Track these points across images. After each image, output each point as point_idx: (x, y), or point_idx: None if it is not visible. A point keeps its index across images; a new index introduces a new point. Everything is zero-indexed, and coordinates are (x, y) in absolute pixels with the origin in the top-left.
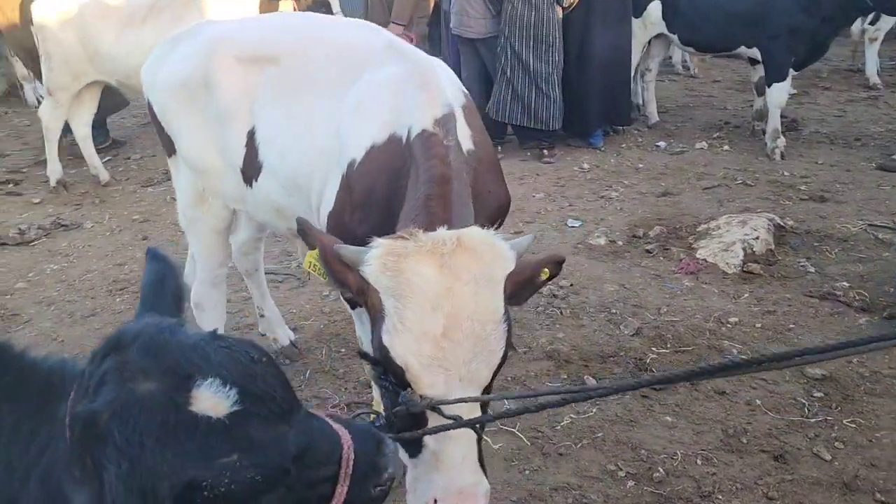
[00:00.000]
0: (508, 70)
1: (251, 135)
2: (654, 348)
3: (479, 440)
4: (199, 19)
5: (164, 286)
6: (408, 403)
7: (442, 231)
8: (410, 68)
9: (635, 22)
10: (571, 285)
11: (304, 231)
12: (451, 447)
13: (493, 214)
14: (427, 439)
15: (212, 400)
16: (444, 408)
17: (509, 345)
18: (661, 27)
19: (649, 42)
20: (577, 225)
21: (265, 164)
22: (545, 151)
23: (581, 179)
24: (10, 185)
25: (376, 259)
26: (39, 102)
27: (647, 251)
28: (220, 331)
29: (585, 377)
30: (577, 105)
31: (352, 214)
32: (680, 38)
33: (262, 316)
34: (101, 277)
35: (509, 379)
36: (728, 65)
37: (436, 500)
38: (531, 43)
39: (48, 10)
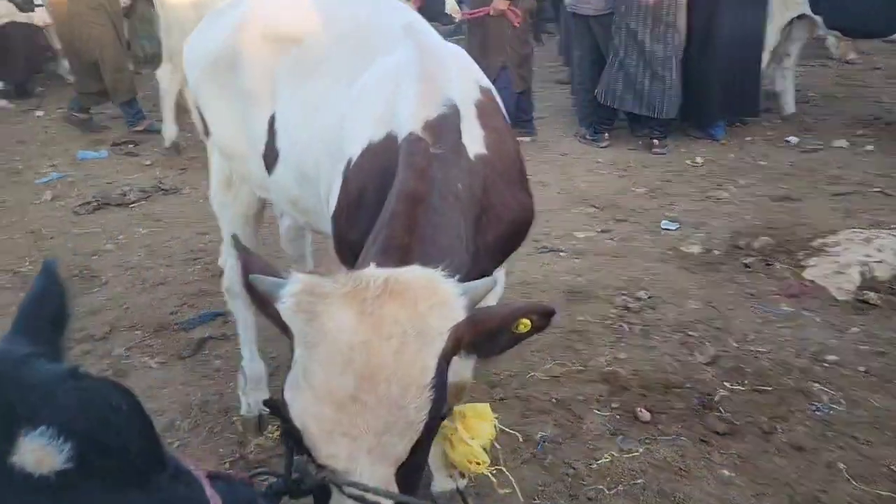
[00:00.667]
0: (622, 51)
1: (272, 120)
2: (727, 383)
3: None
4: None
5: (43, 308)
6: (301, 473)
7: (370, 270)
8: (415, 56)
9: (774, 1)
10: (649, 298)
11: (235, 246)
12: None
13: (508, 229)
14: None
15: (38, 454)
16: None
17: (438, 415)
18: (804, 7)
19: (790, 23)
20: (672, 228)
21: (280, 152)
22: (655, 141)
23: (691, 175)
24: (131, 146)
25: (291, 297)
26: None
27: (746, 265)
28: (251, 320)
29: (639, 409)
30: (698, 92)
31: (346, 218)
32: (826, 21)
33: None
34: (182, 245)
35: (554, 401)
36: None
37: None
38: (649, 22)
39: None
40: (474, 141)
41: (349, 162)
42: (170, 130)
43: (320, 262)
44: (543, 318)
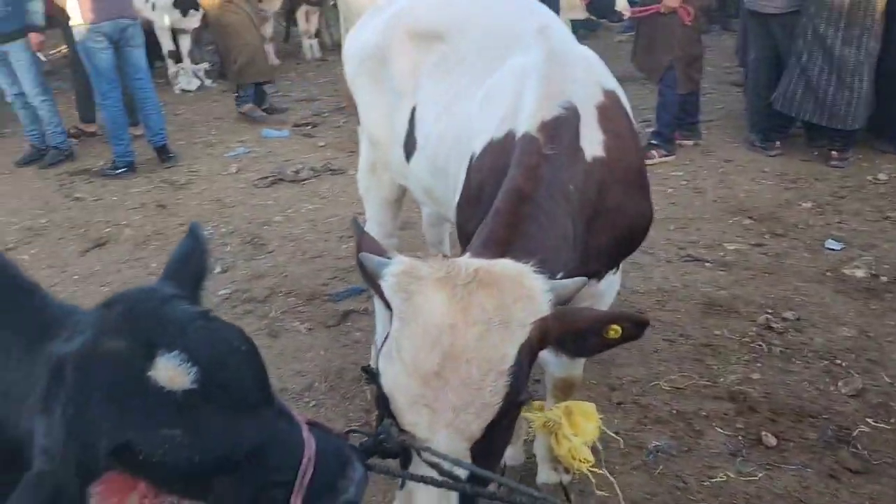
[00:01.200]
0: (805, 55)
1: (413, 112)
2: (870, 419)
3: (466, 497)
4: None
5: (189, 263)
6: (386, 435)
7: (465, 259)
8: (542, 59)
9: None
10: (798, 319)
11: (354, 226)
12: (422, 493)
13: (622, 233)
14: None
15: (170, 372)
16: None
17: (514, 401)
18: None
19: None
20: (836, 248)
21: (417, 143)
22: (834, 153)
23: (869, 192)
24: (308, 128)
25: (392, 276)
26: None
27: None
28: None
29: (764, 433)
30: (891, 102)
31: (466, 210)
32: None
33: None
34: (340, 223)
35: (674, 412)
36: None
37: None
38: (841, 24)
39: None
40: (593, 144)
41: (472, 157)
42: None
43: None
44: (636, 327)
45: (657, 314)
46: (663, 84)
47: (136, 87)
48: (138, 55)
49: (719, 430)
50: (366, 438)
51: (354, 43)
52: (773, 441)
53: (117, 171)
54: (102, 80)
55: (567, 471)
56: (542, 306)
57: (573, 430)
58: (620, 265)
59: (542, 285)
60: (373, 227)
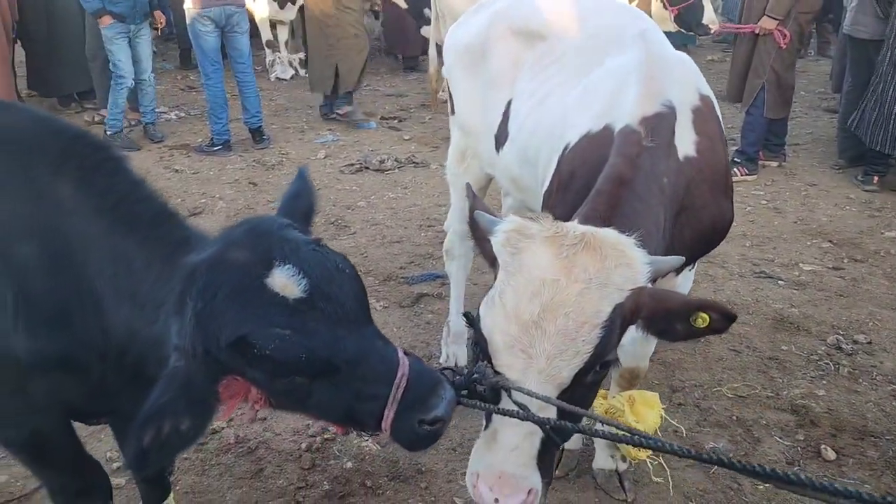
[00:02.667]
0: (882, 85)
1: (509, 104)
2: None
3: (548, 441)
4: None
5: (299, 200)
6: (481, 375)
7: (573, 224)
8: (642, 60)
9: None
10: (869, 343)
11: (468, 193)
12: (507, 432)
13: (704, 231)
14: (494, 416)
15: (284, 281)
16: (515, 395)
17: (602, 354)
18: None
19: None
20: None
21: (510, 134)
22: None
23: None
24: (395, 121)
25: (503, 233)
26: None
27: None
28: (463, 282)
29: (823, 447)
30: None
31: (555, 197)
32: None
33: None
34: (420, 212)
35: (734, 418)
36: None
37: (478, 476)
38: None
39: None
40: (686, 143)
41: (566, 148)
42: None
43: None
44: (723, 319)
45: None
46: (752, 104)
47: (237, 70)
48: (242, 41)
49: (778, 439)
50: (458, 377)
51: (455, 36)
52: (832, 455)
53: (214, 148)
54: (207, 62)
55: (623, 459)
56: (641, 276)
57: (635, 418)
58: (695, 264)
59: (643, 257)
60: (457, 213)
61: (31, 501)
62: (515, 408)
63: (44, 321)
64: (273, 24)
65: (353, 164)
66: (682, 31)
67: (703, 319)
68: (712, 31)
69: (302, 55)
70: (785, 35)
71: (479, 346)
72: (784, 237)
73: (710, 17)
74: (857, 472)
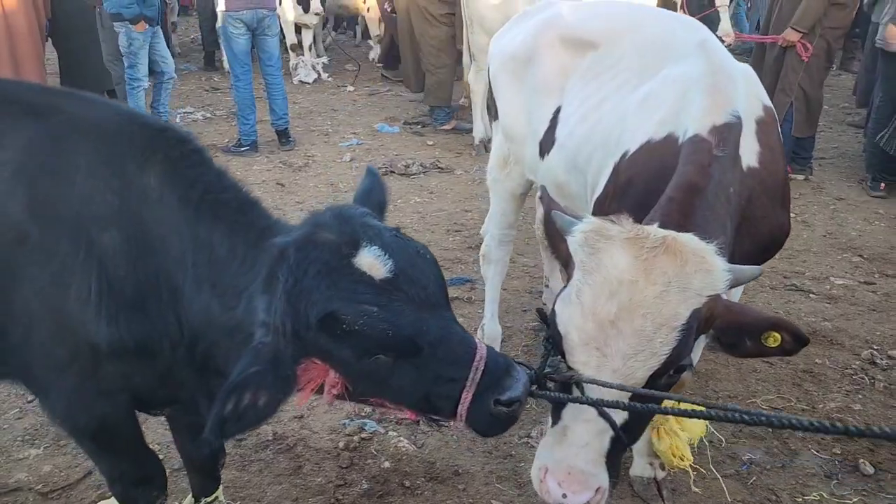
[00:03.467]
0: None
1: (557, 111)
2: None
3: (617, 441)
4: None
5: (372, 195)
6: (554, 369)
7: (653, 227)
8: (707, 70)
9: None
10: None
11: (542, 195)
12: (579, 427)
13: (763, 241)
14: (564, 413)
15: (371, 261)
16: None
17: (679, 358)
18: None
19: None
20: None
21: (557, 140)
22: None
23: None
24: (418, 126)
25: (581, 233)
26: None
27: None
28: (498, 287)
29: (861, 461)
30: None
31: (609, 203)
32: None
33: (546, 286)
34: (447, 217)
35: (770, 431)
36: None
37: (546, 471)
38: None
39: None
40: (750, 154)
41: (624, 154)
42: (478, 129)
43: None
44: (796, 341)
45: None
46: (782, 120)
47: (266, 72)
48: (272, 44)
49: (815, 452)
50: (530, 371)
51: (500, 44)
52: (870, 469)
53: (241, 149)
54: (237, 63)
55: (662, 467)
56: (719, 283)
57: (680, 426)
58: None
59: (723, 264)
60: (495, 217)
61: (75, 490)
62: (586, 410)
63: (123, 308)
64: (298, 28)
65: (379, 168)
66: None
67: (774, 339)
68: (726, 43)
69: (325, 59)
70: (807, 48)
71: (553, 343)
72: (814, 250)
73: (724, 30)
74: (895, 488)
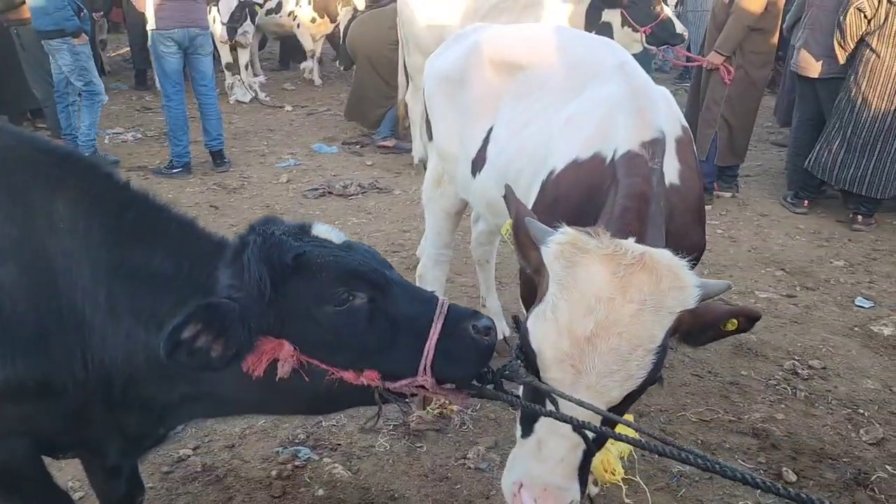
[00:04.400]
0: (846, 121)
1: (489, 131)
2: (889, 466)
3: (588, 454)
4: (532, 23)
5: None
6: (513, 372)
7: (631, 242)
8: (629, 92)
9: None
10: (824, 368)
11: (507, 198)
12: (554, 442)
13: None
14: (537, 426)
15: (326, 230)
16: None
17: (653, 378)
18: None
19: None
20: (866, 306)
21: (488, 159)
22: (859, 217)
23: None
24: (357, 147)
25: (557, 244)
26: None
27: None
28: None
29: (784, 469)
30: None
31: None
32: None
33: (483, 306)
34: (385, 238)
35: (699, 442)
36: None
37: (521, 486)
38: (888, 92)
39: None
40: (671, 171)
41: (551, 172)
42: (417, 149)
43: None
44: (749, 321)
45: (687, 351)
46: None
47: (200, 92)
48: (206, 63)
49: (742, 462)
50: (487, 371)
51: (435, 65)
52: (792, 477)
53: (174, 171)
54: (168, 83)
55: (595, 483)
56: (690, 300)
57: (610, 442)
58: None
59: (694, 280)
60: (431, 237)
61: None
62: (562, 425)
63: (20, 347)
64: (233, 47)
65: (316, 189)
66: (653, 48)
67: (732, 324)
68: (686, 39)
69: (262, 79)
70: (730, 71)
71: (527, 358)
72: (739, 265)
73: (681, 27)
74: (815, 493)
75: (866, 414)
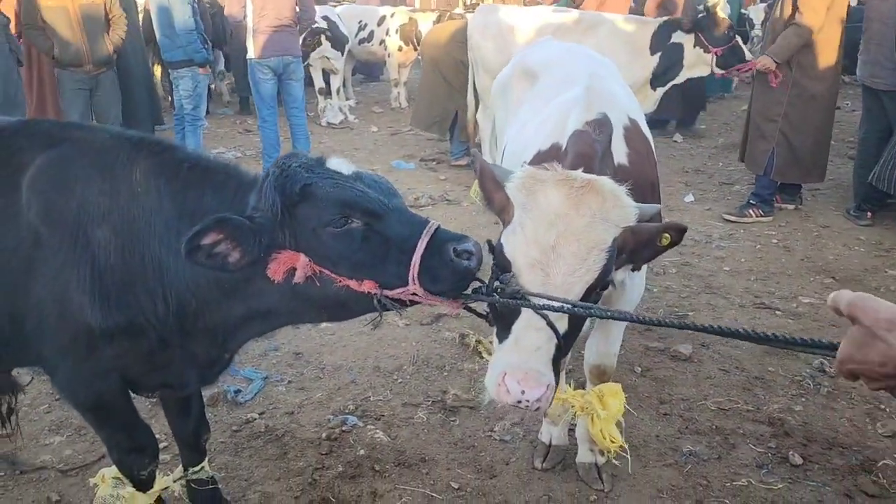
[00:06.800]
0: None
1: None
2: None
3: (559, 350)
4: (594, 44)
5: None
6: (505, 284)
7: (580, 171)
8: (584, 91)
9: None
10: None
11: (473, 159)
12: (531, 335)
13: None
14: (514, 327)
15: (338, 162)
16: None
17: (605, 275)
18: None
19: None
20: None
21: (505, 151)
22: None
23: None
24: (434, 163)
25: (518, 179)
26: None
27: None
28: None
29: (791, 453)
30: None
31: None
32: None
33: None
34: None
35: (714, 427)
36: None
37: (504, 375)
38: None
39: (476, 22)
40: (620, 153)
41: (523, 164)
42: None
43: None
44: (678, 233)
45: (718, 348)
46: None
47: (291, 114)
48: (297, 88)
49: (752, 446)
50: (481, 285)
51: (498, 78)
52: (798, 460)
53: None
54: (264, 106)
55: (601, 453)
56: (631, 217)
57: (603, 407)
58: (643, 269)
59: (632, 202)
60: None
61: (90, 470)
62: (537, 320)
63: (113, 292)
64: (326, 72)
65: None
66: (722, 72)
67: (665, 238)
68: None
69: (352, 102)
70: (777, 75)
71: (501, 269)
72: (788, 273)
73: (749, 55)
74: (820, 477)
75: (887, 409)
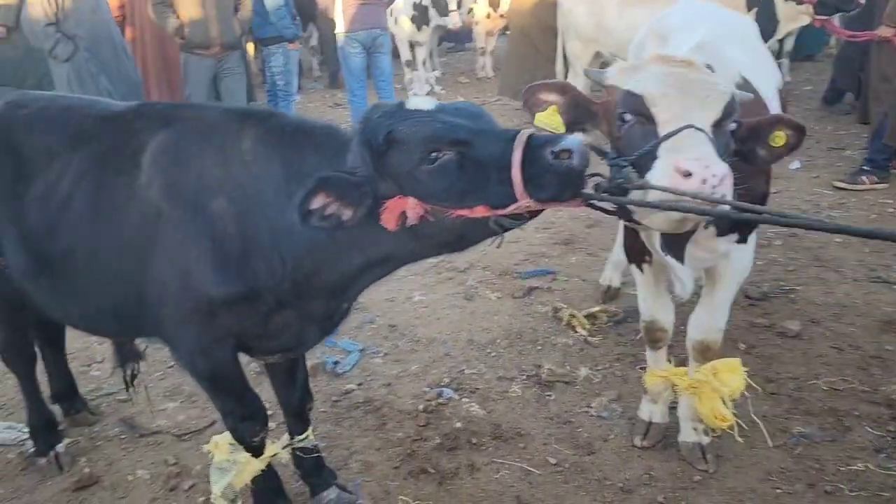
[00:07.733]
0: None
1: None
2: None
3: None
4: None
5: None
6: (625, 179)
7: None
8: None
9: None
10: None
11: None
12: (690, 139)
13: None
14: (661, 150)
15: (417, 101)
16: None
17: (728, 115)
18: None
19: None
20: None
21: None
22: None
23: None
24: None
25: (617, 71)
26: None
27: None
28: None
29: None
30: None
31: None
32: None
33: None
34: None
35: (826, 408)
36: None
37: (679, 160)
38: None
39: None
40: None
41: None
42: None
43: None
44: (796, 132)
45: (829, 325)
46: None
47: (379, 87)
48: (385, 60)
49: (869, 429)
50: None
51: (634, 40)
52: None
53: None
54: (353, 80)
55: (706, 432)
56: (732, 87)
57: (720, 384)
58: (750, 242)
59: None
60: None
61: (202, 435)
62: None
63: (232, 260)
64: (412, 45)
65: None
66: (820, 18)
67: (780, 138)
68: (862, 3)
69: (438, 73)
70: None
71: (634, 112)
72: None
73: None
74: None
75: None
